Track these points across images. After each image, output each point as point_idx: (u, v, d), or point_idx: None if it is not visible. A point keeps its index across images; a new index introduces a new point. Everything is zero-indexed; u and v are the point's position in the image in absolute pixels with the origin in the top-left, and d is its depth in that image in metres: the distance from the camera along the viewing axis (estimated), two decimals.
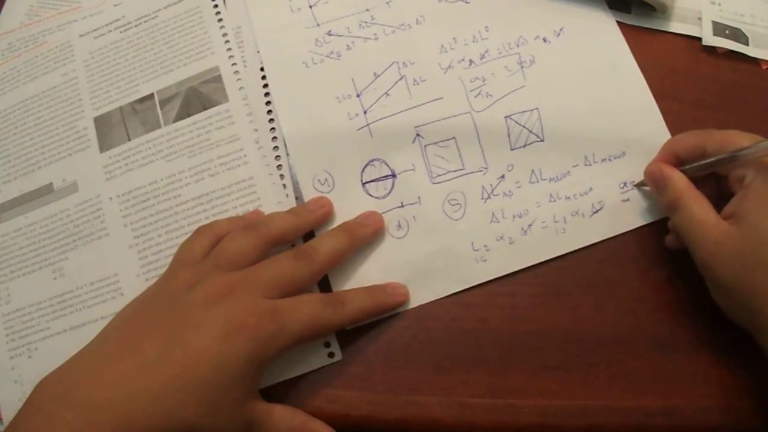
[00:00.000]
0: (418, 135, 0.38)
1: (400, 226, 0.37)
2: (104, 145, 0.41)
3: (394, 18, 0.41)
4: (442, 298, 0.36)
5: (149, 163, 0.40)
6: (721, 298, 0.31)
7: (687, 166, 0.34)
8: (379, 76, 0.40)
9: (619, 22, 0.41)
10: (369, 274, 0.37)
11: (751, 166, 0.31)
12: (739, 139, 0.31)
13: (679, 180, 0.33)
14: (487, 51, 0.40)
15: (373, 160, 0.38)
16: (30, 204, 0.41)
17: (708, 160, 0.32)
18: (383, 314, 0.36)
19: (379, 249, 0.37)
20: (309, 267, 0.33)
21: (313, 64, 0.40)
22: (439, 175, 0.38)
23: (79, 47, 0.45)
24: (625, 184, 0.37)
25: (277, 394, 0.34)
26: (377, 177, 0.38)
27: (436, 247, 0.37)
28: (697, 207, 0.31)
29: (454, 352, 0.35)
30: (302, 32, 0.41)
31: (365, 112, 0.39)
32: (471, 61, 0.40)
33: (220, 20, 0.43)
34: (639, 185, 0.37)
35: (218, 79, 0.41)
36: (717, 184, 0.34)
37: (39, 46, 0.46)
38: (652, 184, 0.35)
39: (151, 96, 0.42)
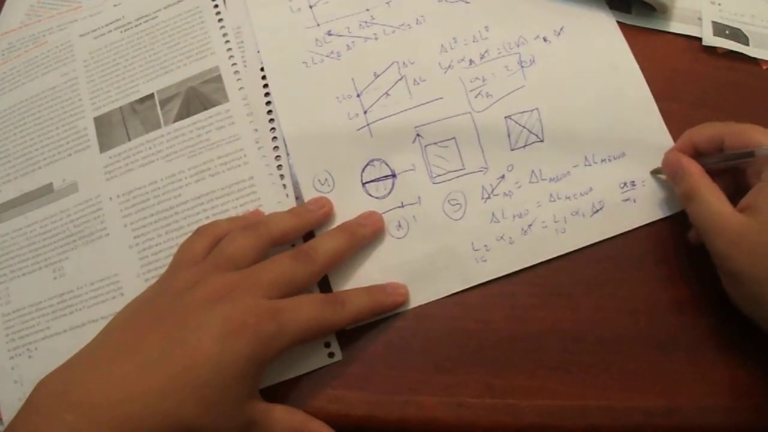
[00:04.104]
0: (418, 135, 0.38)
1: (400, 226, 0.37)
2: (104, 145, 0.41)
3: (394, 18, 0.41)
4: (442, 298, 0.36)
5: (149, 163, 0.40)
6: (733, 288, 0.32)
7: (704, 159, 0.34)
8: (379, 76, 0.40)
9: (619, 22, 0.41)
10: (369, 274, 0.36)
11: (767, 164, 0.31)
12: (758, 135, 0.32)
13: (695, 170, 0.33)
14: (487, 51, 0.40)
15: (373, 160, 0.38)
16: (30, 204, 0.41)
17: (725, 155, 0.33)
18: (383, 314, 0.36)
19: (379, 249, 0.37)
20: (309, 267, 0.33)
21: (313, 64, 0.40)
22: (439, 175, 0.38)
23: (79, 47, 0.45)
24: (625, 184, 0.37)
25: (277, 394, 0.34)
26: (377, 177, 0.38)
27: (436, 247, 0.37)
28: (714, 198, 0.32)
29: (454, 352, 0.35)
30: (302, 32, 0.41)
31: (365, 112, 0.39)
32: (471, 61, 0.40)
33: (220, 20, 0.43)
34: (654, 172, 0.37)
35: (218, 79, 0.41)
36: (733, 177, 0.34)
37: (39, 46, 0.46)
38: (669, 173, 0.35)
39: (151, 96, 0.42)
